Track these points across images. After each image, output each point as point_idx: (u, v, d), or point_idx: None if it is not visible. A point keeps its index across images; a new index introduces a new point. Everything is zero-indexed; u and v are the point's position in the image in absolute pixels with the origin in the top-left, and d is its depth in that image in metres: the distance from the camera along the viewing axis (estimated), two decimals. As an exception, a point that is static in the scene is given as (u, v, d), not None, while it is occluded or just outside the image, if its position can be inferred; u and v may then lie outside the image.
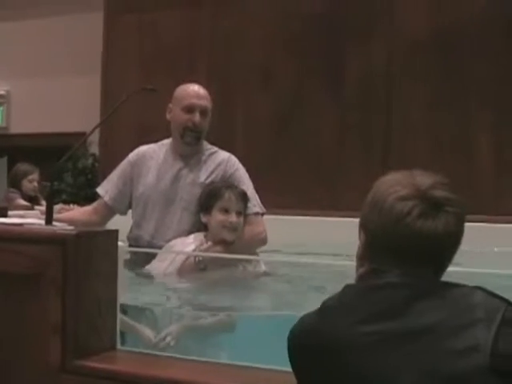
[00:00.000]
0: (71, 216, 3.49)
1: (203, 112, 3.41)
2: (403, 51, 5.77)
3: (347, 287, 1.53)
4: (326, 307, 1.50)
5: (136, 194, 3.50)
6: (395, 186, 1.51)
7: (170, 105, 3.48)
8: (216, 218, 3.20)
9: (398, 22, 5.81)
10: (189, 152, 3.47)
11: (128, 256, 3.27)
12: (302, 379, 1.52)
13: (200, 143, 3.47)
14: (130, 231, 3.51)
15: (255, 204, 3.39)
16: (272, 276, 3.23)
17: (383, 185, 1.54)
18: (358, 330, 1.40)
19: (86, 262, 2.11)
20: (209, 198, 3.25)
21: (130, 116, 6.12)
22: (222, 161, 3.47)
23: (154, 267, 3.20)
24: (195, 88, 3.46)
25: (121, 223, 3.26)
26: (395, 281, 1.46)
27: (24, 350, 2.15)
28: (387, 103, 5.82)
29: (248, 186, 3.41)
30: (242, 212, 3.24)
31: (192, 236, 3.29)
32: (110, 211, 3.57)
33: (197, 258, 3.14)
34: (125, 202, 3.55)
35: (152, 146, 3.58)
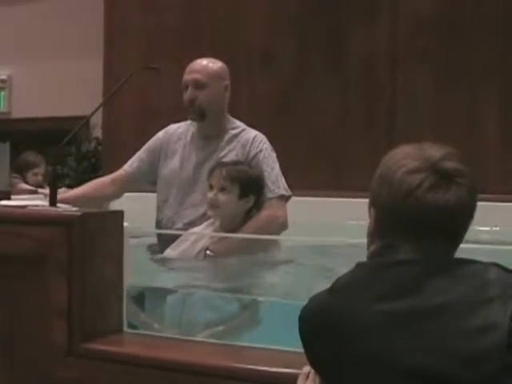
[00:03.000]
0: (82, 192, 3.43)
1: (197, 85, 3.28)
2: (407, 30, 5.70)
3: (359, 265, 1.50)
4: (337, 286, 1.47)
5: (161, 175, 3.44)
6: (405, 159, 1.48)
7: None
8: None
9: (401, 0, 5.74)
10: (209, 132, 3.37)
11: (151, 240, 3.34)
12: (313, 359, 1.49)
13: (208, 120, 3.33)
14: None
15: (279, 186, 3.28)
16: (294, 262, 3.16)
17: (392, 158, 1.51)
18: (370, 309, 1.37)
19: (91, 244, 2.09)
20: (207, 176, 3.23)
21: (133, 98, 6.07)
22: (246, 141, 3.34)
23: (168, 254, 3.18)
24: (193, 63, 3.36)
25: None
26: (407, 258, 1.43)
27: (30, 334, 2.13)
28: (391, 83, 5.76)
29: (272, 167, 3.29)
30: (231, 190, 3.11)
31: (203, 225, 3.22)
32: (128, 183, 3.48)
33: (206, 252, 3.10)
34: (147, 173, 3.45)
35: (182, 125, 3.48)
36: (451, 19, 5.55)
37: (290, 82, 5.99)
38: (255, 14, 6.17)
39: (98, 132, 7.04)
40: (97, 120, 6.44)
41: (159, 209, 3.42)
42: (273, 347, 2.01)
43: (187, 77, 3.30)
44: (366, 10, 5.81)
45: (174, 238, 3.18)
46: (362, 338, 1.37)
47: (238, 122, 3.43)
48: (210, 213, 3.16)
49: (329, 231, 3.57)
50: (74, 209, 2.23)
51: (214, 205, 3.12)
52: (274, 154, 3.34)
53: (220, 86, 3.34)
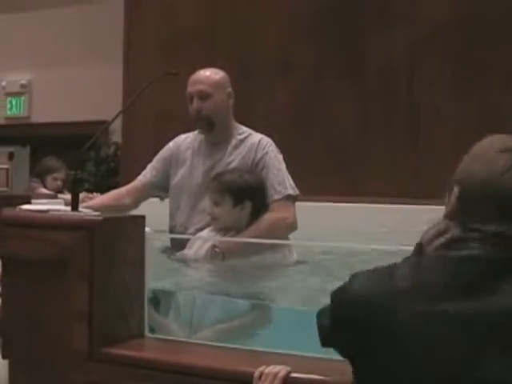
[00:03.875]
0: (100, 202, 3.48)
1: (201, 96, 3.34)
2: (425, 34, 5.68)
3: (423, 258, 1.41)
4: (397, 275, 1.37)
5: (172, 184, 3.50)
6: (499, 141, 1.46)
7: None
8: None
9: (419, 4, 5.73)
10: (217, 139, 3.42)
11: (163, 245, 3.36)
12: (344, 351, 1.42)
13: (217, 129, 3.39)
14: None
15: (286, 186, 3.30)
16: (305, 264, 3.15)
17: (485, 142, 1.48)
18: (433, 309, 1.29)
19: (112, 249, 2.09)
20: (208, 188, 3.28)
21: (151, 103, 6.09)
22: (252, 145, 3.38)
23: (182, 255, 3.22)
24: (196, 74, 3.41)
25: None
26: (479, 254, 1.34)
27: (51, 338, 2.13)
28: (409, 88, 5.74)
29: (278, 168, 3.32)
30: (223, 202, 3.17)
31: (206, 230, 3.28)
32: (144, 192, 3.55)
33: (213, 251, 3.14)
34: (162, 182, 3.52)
35: (190, 135, 3.55)
36: (469, 23, 5.53)
37: (308, 91, 5.98)
38: (273, 23, 6.18)
39: (117, 137, 7.07)
40: (116, 125, 6.46)
41: (172, 216, 3.48)
42: (292, 352, 1.98)
43: (191, 88, 3.37)
44: (384, 17, 5.83)
45: (187, 242, 3.24)
46: (417, 340, 1.28)
47: (244, 128, 3.47)
48: (212, 226, 3.25)
49: (343, 237, 3.49)
50: (96, 213, 2.23)
51: (212, 218, 3.21)
52: (280, 156, 3.38)
53: (224, 94, 3.40)
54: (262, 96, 5.99)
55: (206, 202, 3.33)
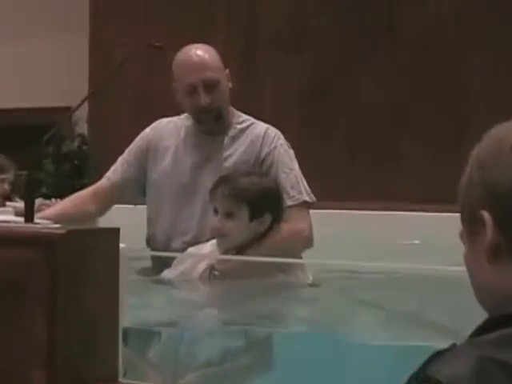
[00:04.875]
0: (59, 210, 3.47)
1: (209, 86, 3.36)
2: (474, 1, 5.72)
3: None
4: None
5: (150, 181, 3.50)
6: (509, 135, 1.29)
7: (174, 83, 3.47)
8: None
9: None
10: (211, 128, 3.44)
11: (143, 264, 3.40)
12: None
13: (223, 120, 3.43)
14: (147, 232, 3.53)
15: (300, 191, 3.32)
16: (321, 287, 3.20)
17: (490, 142, 1.31)
18: None
19: (77, 270, 2.08)
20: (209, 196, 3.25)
21: (129, 85, 6.05)
22: (256, 137, 3.41)
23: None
24: (192, 57, 3.40)
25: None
26: None
27: (3, 380, 2.11)
28: (455, 67, 5.77)
29: (290, 167, 3.35)
30: (239, 214, 3.14)
31: (209, 243, 3.27)
32: (114, 194, 3.56)
33: (212, 272, 3.15)
34: (136, 180, 3.53)
35: (174, 119, 3.56)
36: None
37: (326, 69, 5.95)
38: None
39: (82, 127, 7.03)
40: (82, 112, 6.21)
41: (150, 222, 3.49)
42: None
43: (194, 78, 3.34)
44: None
45: (172, 258, 3.23)
46: None
47: (244, 116, 3.54)
48: (216, 242, 3.20)
49: (366, 251, 3.64)
50: (56, 226, 2.22)
51: (220, 233, 3.17)
52: (291, 152, 3.41)
53: (226, 76, 3.44)
54: (270, 74, 5.96)
55: (195, 207, 3.35)
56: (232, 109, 3.50)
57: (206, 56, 3.41)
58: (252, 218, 3.14)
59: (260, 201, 3.15)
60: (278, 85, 6.06)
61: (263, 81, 6.04)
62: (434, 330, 2.43)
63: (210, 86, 3.35)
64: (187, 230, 3.38)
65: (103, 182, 3.57)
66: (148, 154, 3.50)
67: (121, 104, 6.41)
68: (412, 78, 5.84)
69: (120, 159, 3.56)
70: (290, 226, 3.25)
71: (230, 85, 3.45)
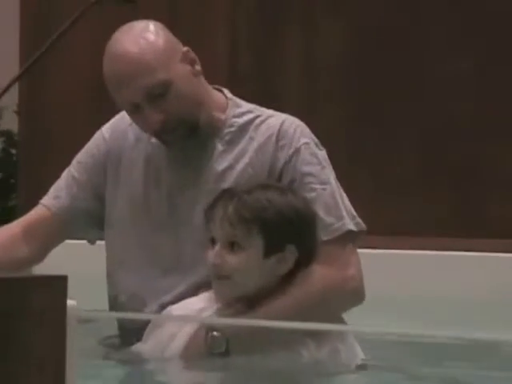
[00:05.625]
0: None
1: (156, 96, 2.83)
2: None
3: None
4: None
5: (110, 213, 3.05)
6: None
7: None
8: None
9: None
10: (190, 145, 2.98)
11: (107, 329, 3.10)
12: None
13: (199, 129, 2.90)
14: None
15: (341, 216, 2.84)
16: (375, 369, 2.76)
17: None
18: None
19: (8, 339, 1.76)
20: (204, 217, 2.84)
21: (82, 59, 5.52)
22: (266, 137, 2.90)
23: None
24: (122, 61, 2.86)
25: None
26: None
27: None
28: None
29: (322, 180, 2.87)
30: (249, 244, 2.69)
31: (201, 296, 2.83)
32: (57, 229, 3.11)
33: (209, 334, 2.67)
34: (91, 212, 3.07)
35: None
36: None
37: (372, 36, 5.47)
38: None
39: (9, 121, 6.60)
40: (9, 98, 5.66)
41: (111, 275, 3.06)
42: None
43: (131, 93, 2.83)
44: None
45: (145, 324, 2.76)
46: None
47: (244, 104, 3.05)
48: (215, 287, 2.78)
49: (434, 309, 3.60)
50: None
51: (219, 273, 2.73)
52: (322, 154, 2.93)
53: (183, 66, 2.92)
54: (296, 47, 5.44)
55: (180, 252, 2.91)
56: (218, 96, 3.01)
57: (143, 46, 2.86)
58: (268, 252, 2.69)
59: (281, 227, 2.70)
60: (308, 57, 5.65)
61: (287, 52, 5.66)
62: None
63: (158, 96, 2.85)
64: (170, 287, 2.88)
65: (41, 212, 3.09)
66: (106, 169, 3.01)
67: (69, 87, 5.82)
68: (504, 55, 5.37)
69: (65, 175, 3.08)
70: (327, 270, 2.79)
71: (198, 67, 2.95)
